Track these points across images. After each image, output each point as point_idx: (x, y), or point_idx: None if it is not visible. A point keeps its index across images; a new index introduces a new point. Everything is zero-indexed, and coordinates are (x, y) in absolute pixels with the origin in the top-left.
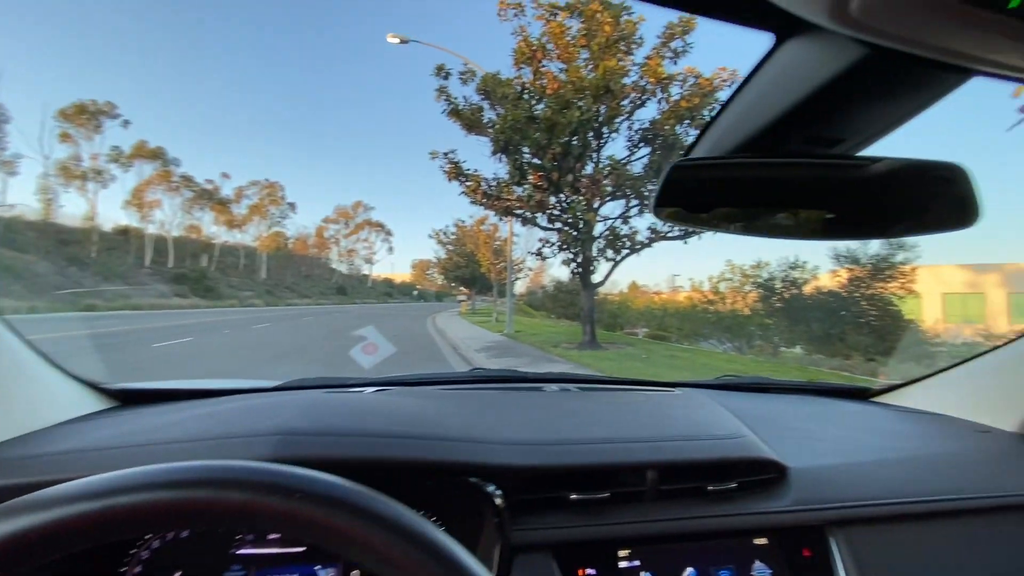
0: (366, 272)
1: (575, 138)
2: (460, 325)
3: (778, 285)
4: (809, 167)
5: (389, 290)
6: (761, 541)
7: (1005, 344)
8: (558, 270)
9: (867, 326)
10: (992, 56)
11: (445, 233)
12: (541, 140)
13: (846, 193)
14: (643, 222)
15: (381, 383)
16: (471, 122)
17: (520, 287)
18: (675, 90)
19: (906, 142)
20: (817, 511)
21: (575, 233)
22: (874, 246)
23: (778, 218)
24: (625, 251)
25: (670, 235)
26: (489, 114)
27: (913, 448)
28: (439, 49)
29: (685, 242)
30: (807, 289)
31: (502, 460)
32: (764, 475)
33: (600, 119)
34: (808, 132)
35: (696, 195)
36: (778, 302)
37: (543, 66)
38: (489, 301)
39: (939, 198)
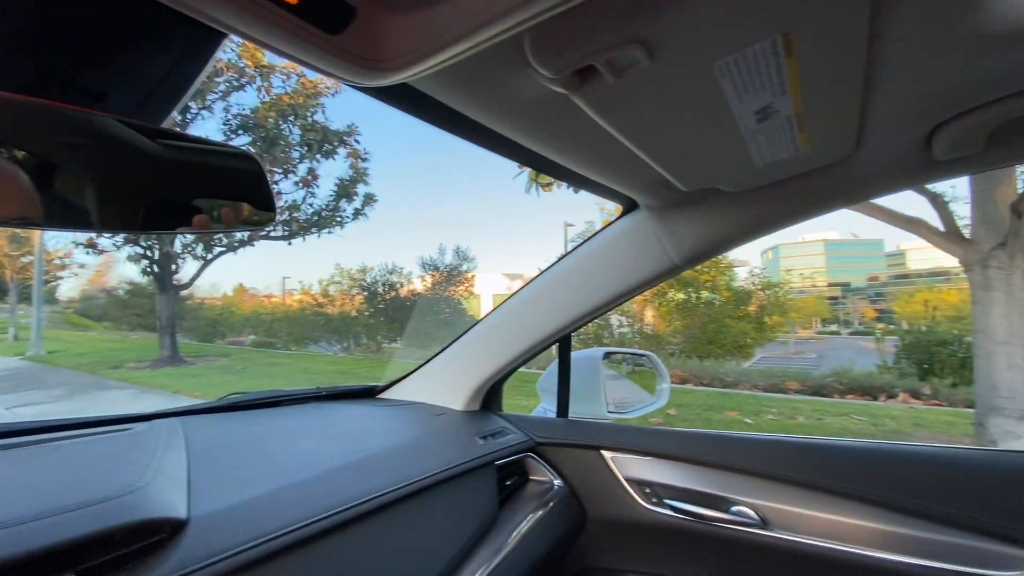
0: None
1: None
2: None
3: (380, 288)
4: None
5: None
6: None
7: (455, 340)
8: (131, 267)
9: (444, 322)
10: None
11: None
12: None
13: (113, 165)
14: None
15: None
16: None
17: (69, 290)
18: (277, 83)
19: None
20: (201, 569)
21: None
22: (448, 257)
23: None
24: (220, 248)
25: (273, 234)
26: None
27: (377, 444)
28: None
29: (289, 243)
30: (404, 292)
31: None
32: (143, 542)
33: None
34: (58, 70)
35: None
36: (381, 303)
37: None
38: (6, 311)
39: (237, 190)
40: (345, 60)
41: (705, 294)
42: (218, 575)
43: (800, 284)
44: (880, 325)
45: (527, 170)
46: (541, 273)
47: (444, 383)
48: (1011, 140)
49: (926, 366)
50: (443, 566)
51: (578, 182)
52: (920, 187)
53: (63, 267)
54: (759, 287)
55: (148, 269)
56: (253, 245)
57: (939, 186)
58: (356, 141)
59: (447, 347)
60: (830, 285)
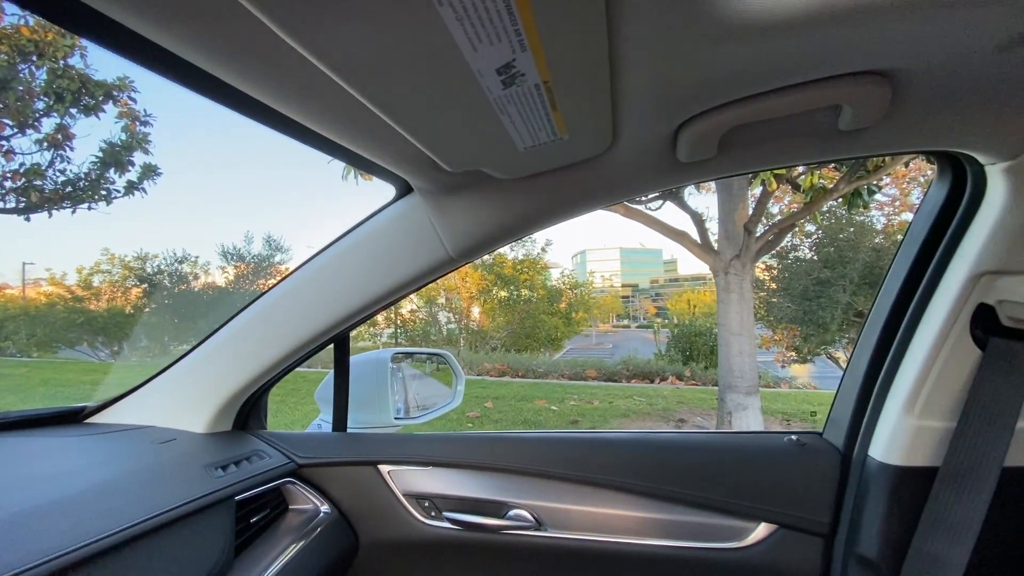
0: None
1: None
2: None
3: (166, 280)
4: None
5: None
6: None
7: (195, 347)
8: None
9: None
10: None
11: None
12: None
13: None
14: None
15: None
16: None
17: None
18: (12, 10)
19: None
20: None
21: None
22: (257, 246)
23: None
24: None
25: (2, 208)
26: None
27: (56, 492)
28: None
29: (27, 218)
30: (198, 285)
31: None
32: None
33: None
34: None
35: None
36: (167, 299)
37: None
38: None
39: None
40: None
41: (524, 292)
42: None
43: (601, 285)
44: (657, 320)
45: None
46: (303, 264)
47: (182, 399)
48: (737, 147)
49: (687, 353)
50: None
51: (343, 156)
52: (669, 189)
53: None
54: (569, 286)
55: None
56: None
57: (698, 206)
58: (131, 99)
59: (186, 354)
60: (624, 286)
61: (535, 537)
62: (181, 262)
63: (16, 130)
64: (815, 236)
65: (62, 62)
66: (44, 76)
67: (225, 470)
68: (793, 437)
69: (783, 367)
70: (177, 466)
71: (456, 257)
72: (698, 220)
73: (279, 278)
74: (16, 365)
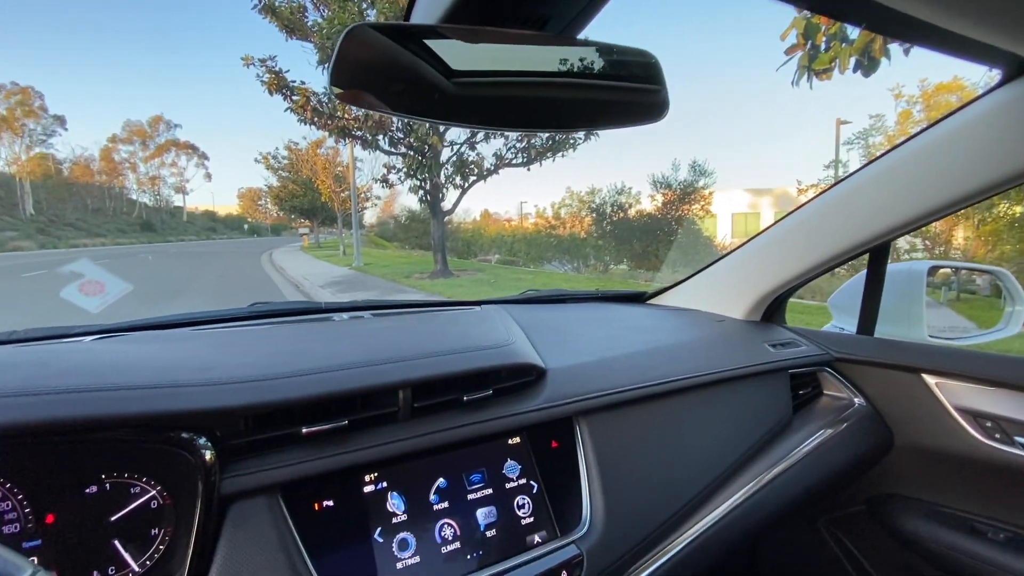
0: (178, 204)
1: None
2: (303, 261)
3: (608, 210)
4: (505, 40)
5: (212, 224)
6: (514, 440)
7: (734, 249)
8: (408, 198)
9: (674, 243)
10: None
11: (276, 157)
12: None
13: (549, 76)
14: (489, 148)
15: (112, 329)
16: (292, 24)
17: (370, 217)
18: None
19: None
20: (566, 405)
21: (420, 158)
22: (683, 173)
23: (469, 101)
24: (473, 178)
25: (515, 162)
26: (314, 16)
27: (664, 339)
28: None
29: (528, 169)
30: (632, 213)
31: (210, 404)
32: (523, 378)
33: None
34: (516, 9)
35: (378, 70)
36: (608, 225)
37: None
38: (335, 234)
39: (634, 88)
40: None
41: None
42: (569, 413)
43: None
44: None
45: (795, 56)
46: (862, 167)
47: (720, 292)
48: None
49: None
50: (738, 454)
51: (931, 42)
52: None
53: (367, 199)
54: None
55: (423, 198)
56: (498, 173)
57: None
58: None
59: (725, 256)
60: None
61: None
62: (620, 193)
63: None
64: None
65: None
66: None
67: (775, 348)
68: None
69: None
70: (739, 338)
71: None
72: None
73: (827, 185)
74: (525, 273)
